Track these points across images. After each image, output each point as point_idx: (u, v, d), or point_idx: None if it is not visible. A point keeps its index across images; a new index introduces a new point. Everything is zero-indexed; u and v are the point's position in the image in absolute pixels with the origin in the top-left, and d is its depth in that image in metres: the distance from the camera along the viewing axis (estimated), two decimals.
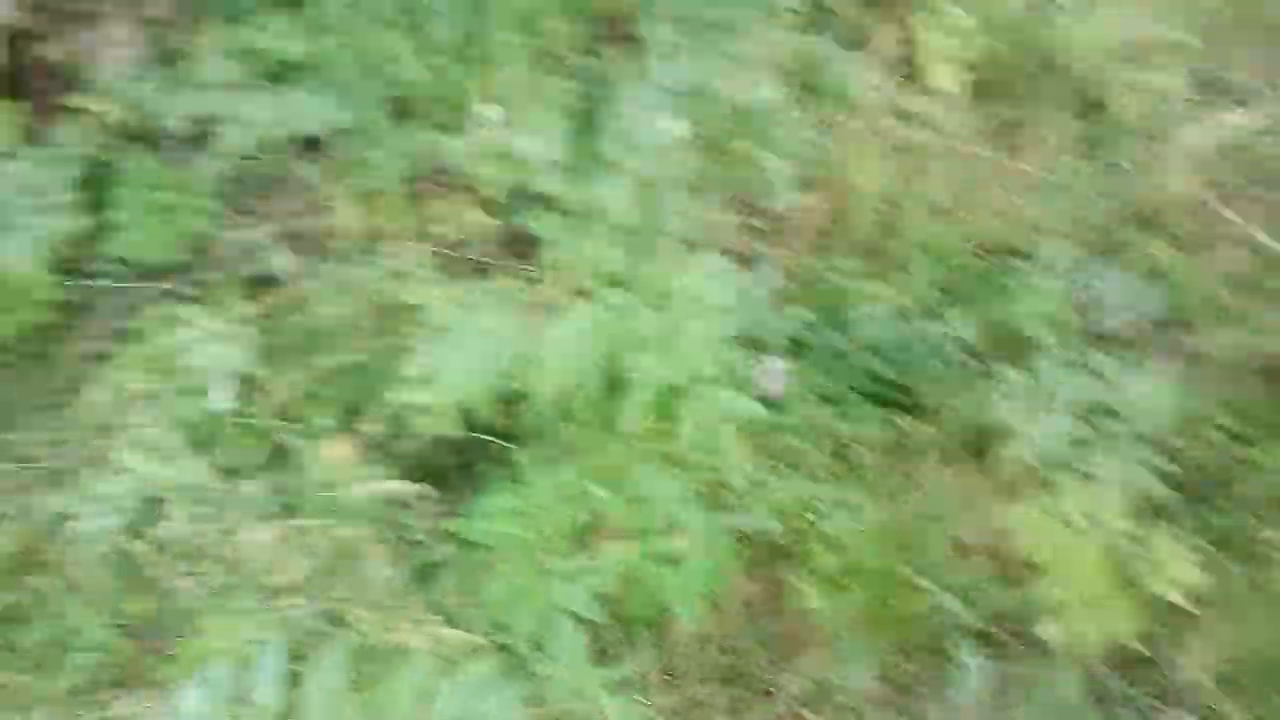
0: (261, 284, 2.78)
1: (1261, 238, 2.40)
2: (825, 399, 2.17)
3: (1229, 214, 2.48)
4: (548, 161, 2.31)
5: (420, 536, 2.01)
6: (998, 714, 1.77)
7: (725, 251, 2.53)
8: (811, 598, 1.80)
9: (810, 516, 1.86)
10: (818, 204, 2.59)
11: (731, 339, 2.00)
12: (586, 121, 2.36)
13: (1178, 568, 1.64)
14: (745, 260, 2.57)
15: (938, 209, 2.61)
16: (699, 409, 1.89)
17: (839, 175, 2.58)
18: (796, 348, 2.27)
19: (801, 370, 2.19)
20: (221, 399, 2.23)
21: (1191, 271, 2.35)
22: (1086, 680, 1.84)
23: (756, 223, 2.67)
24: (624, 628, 1.86)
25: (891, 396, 2.15)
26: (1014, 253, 2.48)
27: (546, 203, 2.33)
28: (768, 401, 2.08)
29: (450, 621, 1.72)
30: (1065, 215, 2.54)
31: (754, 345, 2.25)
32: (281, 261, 2.73)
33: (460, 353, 2.11)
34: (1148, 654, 1.82)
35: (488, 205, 2.52)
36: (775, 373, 2.11)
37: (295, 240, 2.86)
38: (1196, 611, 1.69)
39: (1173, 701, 1.85)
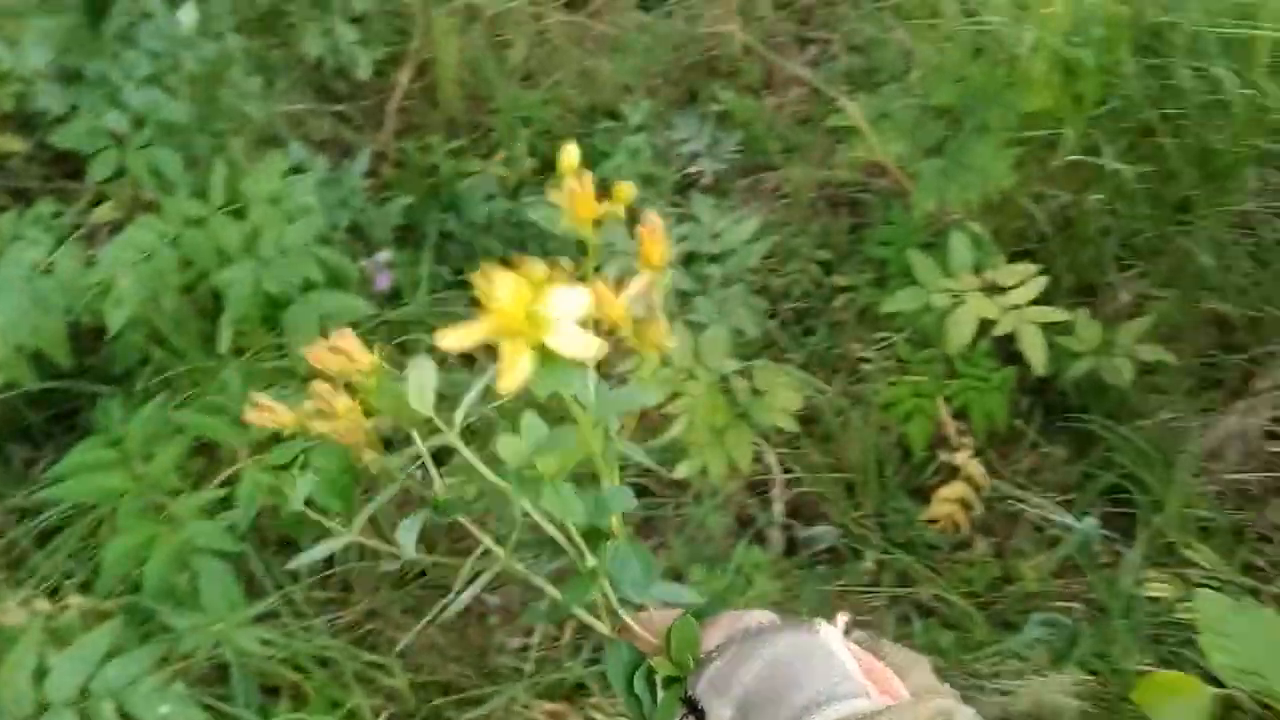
0: None
1: (808, 76, 2.60)
2: (440, 284, 2.12)
3: (780, 59, 2.65)
4: (40, 72, 2.01)
5: (26, 504, 1.82)
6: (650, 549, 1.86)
7: (310, 143, 2.37)
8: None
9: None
10: (401, 82, 2.47)
11: (328, 238, 1.89)
12: (93, 17, 2.06)
13: (780, 395, 1.81)
14: (336, 150, 2.42)
15: (523, 77, 2.58)
16: (302, 315, 1.78)
17: (417, 49, 2.47)
18: (406, 236, 2.19)
19: (412, 258, 2.11)
20: None
21: (760, 114, 2.52)
22: (730, 508, 2.00)
23: (342, 109, 2.52)
24: (274, 552, 1.76)
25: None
26: (602, 114, 2.52)
27: (64, 118, 2.05)
28: (378, 297, 2.00)
29: (79, 590, 1.54)
30: (641, 71, 2.61)
31: (362, 240, 2.15)
32: None
33: (12, 294, 1.82)
34: (772, 476, 2.00)
35: (14, 125, 2.17)
36: (379, 266, 2.03)
37: None
38: (799, 429, 1.88)
39: (804, 515, 2.05)
